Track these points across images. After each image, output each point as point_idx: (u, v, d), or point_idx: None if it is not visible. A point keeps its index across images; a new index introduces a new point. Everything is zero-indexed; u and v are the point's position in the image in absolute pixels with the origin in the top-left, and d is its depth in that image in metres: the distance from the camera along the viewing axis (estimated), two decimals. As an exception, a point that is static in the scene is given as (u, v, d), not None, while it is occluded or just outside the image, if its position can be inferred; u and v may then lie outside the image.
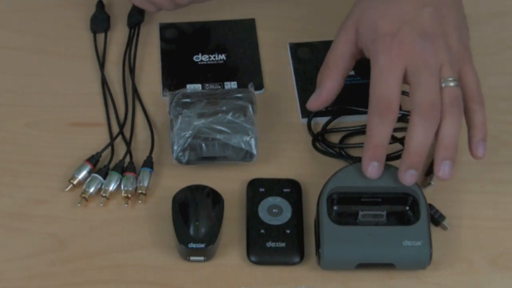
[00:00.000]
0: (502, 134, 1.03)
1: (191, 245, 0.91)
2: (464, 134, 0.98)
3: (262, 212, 0.95)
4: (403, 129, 1.01)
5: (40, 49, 1.09)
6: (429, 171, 0.98)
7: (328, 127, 1.02)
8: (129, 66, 1.08)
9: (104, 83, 1.06)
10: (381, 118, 0.90)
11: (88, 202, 0.97)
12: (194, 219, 0.92)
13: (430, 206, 0.94)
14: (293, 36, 1.11)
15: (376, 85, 0.91)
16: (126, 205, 0.96)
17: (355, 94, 1.05)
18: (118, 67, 1.08)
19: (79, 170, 0.98)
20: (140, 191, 0.97)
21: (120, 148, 1.01)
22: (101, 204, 0.96)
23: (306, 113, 1.03)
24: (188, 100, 1.00)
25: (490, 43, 1.11)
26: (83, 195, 0.96)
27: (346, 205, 0.94)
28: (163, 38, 1.10)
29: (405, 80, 0.92)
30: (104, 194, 0.96)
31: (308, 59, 1.08)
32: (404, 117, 1.02)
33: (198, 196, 0.94)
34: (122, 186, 0.97)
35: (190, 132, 0.97)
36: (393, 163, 0.97)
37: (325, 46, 1.09)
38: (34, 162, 1.00)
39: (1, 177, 0.99)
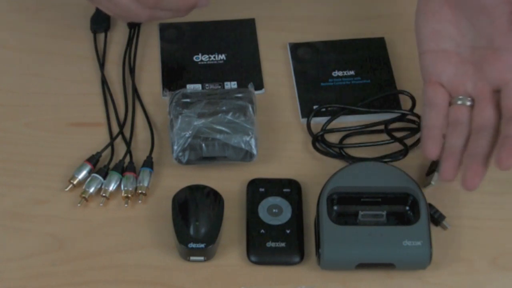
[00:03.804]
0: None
1: (191, 245, 0.91)
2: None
3: (262, 212, 0.95)
4: (403, 129, 1.02)
5: (40, 49, 1.09)
6: (429, 171, 0.98)
7: (328, 127, 1.02)
8: (129, 66, 1.08)
9: (104, 83, 1.06)
10: None
11: (88, 202, 0.97)
12: (194, 219, 0.92)
13: (430, 206, 0.94)
14: (293, 36, 1.11)
15: None
16: (126, 205, 0.96)
17: (355, 94, 1.05)
18: (118, 67, 1.08)
19: (79, 170, 0.98)
20: (140, 191, 0.97)
21: (120, 148, 1.01)
22: (101, 204, 0.96)
23: (306, 113, 1.03)
24: (188, 100, 1.00)
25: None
26: (83, 195, 0.96)
27: (346, 205, 0.94)
28: (163, 38, 1.10)
29: None
30: (104, 194, 0.96)
31: (308, 59, 1.08)
32: (403, 117, 1.02)
33: (198, 196, 0.94)
34: (122, 186, 0.97)
35: (190, 132, 0.97)
36: (393, 163, 0.97)
37: (325, 46, 1.09)
38: (34, 162, 1.00)
39: (1, 177, 0.99)
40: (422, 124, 0.92)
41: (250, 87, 1.04)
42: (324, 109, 1.03)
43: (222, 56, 1.09)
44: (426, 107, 0.93)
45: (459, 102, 0.92)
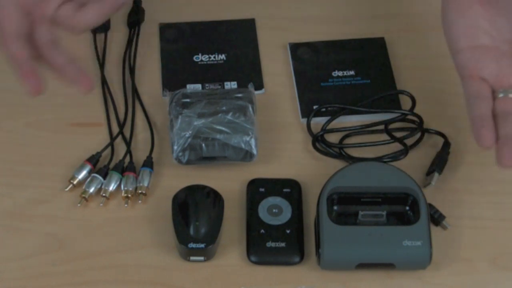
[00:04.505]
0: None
1: (191, 245, 0.91)
2: (464, 135, 0.99)
3: (262, 212, 0.95)
4: (403, 129, 1.02)
5: (40, 49, 1.09)
6: (429, 171, 0.98)
7: (328, 127, 1.02)
8: (129, 66, 1.08)
9: (104, 83, 1.06)
10: None
11: (88, 202, 0.97)
12: (194, 219, 0.92)
13: (430, 206, 0.94)
14: (293, 36, 1.11)
15: None
16: (126, 205, 0.96)
17: (355, 94, 1.05)
18: (118, 67, 1.08)
19: (79, 170, 0.98)
20: (140, 191, 0.97)
21: (120, 148, 1.01)
22: (101, 204, 0.96)
23: (306, 113, 1.03)
24: (188, 100, 1.00)
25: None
26: (83, 195, 0.96)
27: (346, 205, 0.94)
28: (163, 38, 1.10)
29: None
30: (104, 194, 0.96)
31: (308, 59, 1.08)
32: (403, 117, 1.02)
33: (198, 196, 0.94)
34: (122, 186, 0.97)
35: (190, 132, 0.97)
36: (393, 163, 0.97)
37: (325, 46, 1.09)
38: (34, 162, 1.00)
39: (1, 177, 0.99)
40: (471, 115, 0.88)
41: (250, 87, 1.04)
42: (324, 109, 1.03)
43: (222, 56, 1.09)
44: (472, 99, 0.89)
45: (501, 95, 0.89)
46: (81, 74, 0.90)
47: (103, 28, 1.10)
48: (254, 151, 0.98)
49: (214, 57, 1.09)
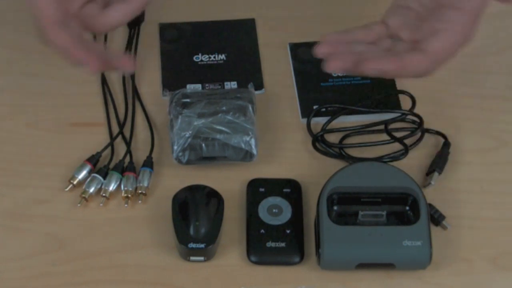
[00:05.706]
0: (502, 134, 1.03)
1: (191, 245, 0.91)
2: (463, 135, 0.99)
3: (262, 212, 0.95)
4: (403, 129, 1.02)
5: (40, 49, 1.09)
6: (429, 171, 0.98)
7: (328, 127, 1.02)
8: (129, 66, 1.08)
9: (104, 83, 1.06)
10: None
11: (88, 202, 0.97)
12: (194, 219, 0.92)
13: (430, 206, 0.95)
14: (293, 36, 1.11)
15: None
16: (126, 205, 0.96)
17: (355, 94, 1.05)
18: (118, 67, 1.08)
19: (79, 170, 0.98)
20: (140, 191, 0.97)
21: (120, 148, 1.01)
22: (101, 204, 0.96)
23: (306, 113, 1.03)
24: (188, 100, 1.00)
25: (490, 43, 1.11)
26: (83, 195, 0.96)
27: (346, 205, 0.94)
28: (163, 38, 1.10)
29: None
30: (104, 194, 0.96)
31: (308, 59, 1.08)
32: (403, 117, 1.02)
33: (198, 196, 0.94)
34: (122, 186, 0.97)
35: (190, 132, 0.97)
36: (393, 163, 0.97)
37: (325, 46, 1.09)
38: (34, 162, 1.00)
39: (1, 177, 0.99)
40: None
41: (250, 87, 1.04)
42: (324, 109, 1.03)
43: (222, 56, 1.09)
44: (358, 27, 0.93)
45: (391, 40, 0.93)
46: (121, 57, 0.95)
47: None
48: (254, 151, 0.98)
49: (214, 57, 1.09)
